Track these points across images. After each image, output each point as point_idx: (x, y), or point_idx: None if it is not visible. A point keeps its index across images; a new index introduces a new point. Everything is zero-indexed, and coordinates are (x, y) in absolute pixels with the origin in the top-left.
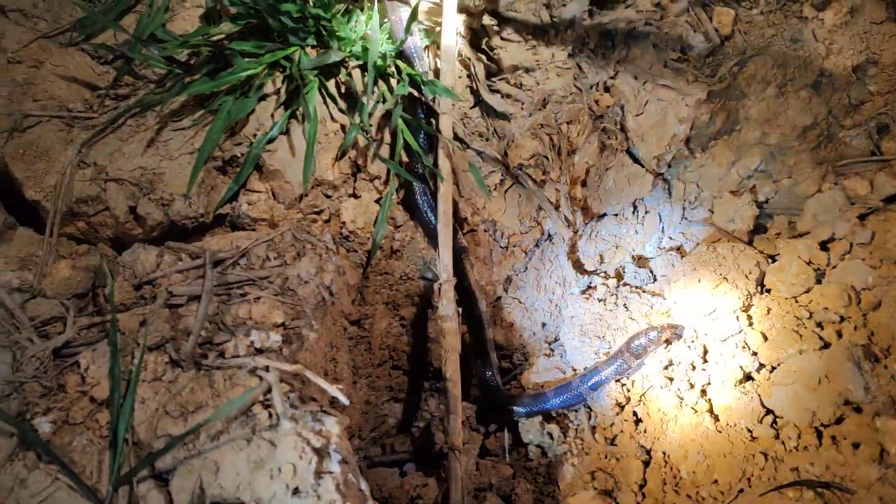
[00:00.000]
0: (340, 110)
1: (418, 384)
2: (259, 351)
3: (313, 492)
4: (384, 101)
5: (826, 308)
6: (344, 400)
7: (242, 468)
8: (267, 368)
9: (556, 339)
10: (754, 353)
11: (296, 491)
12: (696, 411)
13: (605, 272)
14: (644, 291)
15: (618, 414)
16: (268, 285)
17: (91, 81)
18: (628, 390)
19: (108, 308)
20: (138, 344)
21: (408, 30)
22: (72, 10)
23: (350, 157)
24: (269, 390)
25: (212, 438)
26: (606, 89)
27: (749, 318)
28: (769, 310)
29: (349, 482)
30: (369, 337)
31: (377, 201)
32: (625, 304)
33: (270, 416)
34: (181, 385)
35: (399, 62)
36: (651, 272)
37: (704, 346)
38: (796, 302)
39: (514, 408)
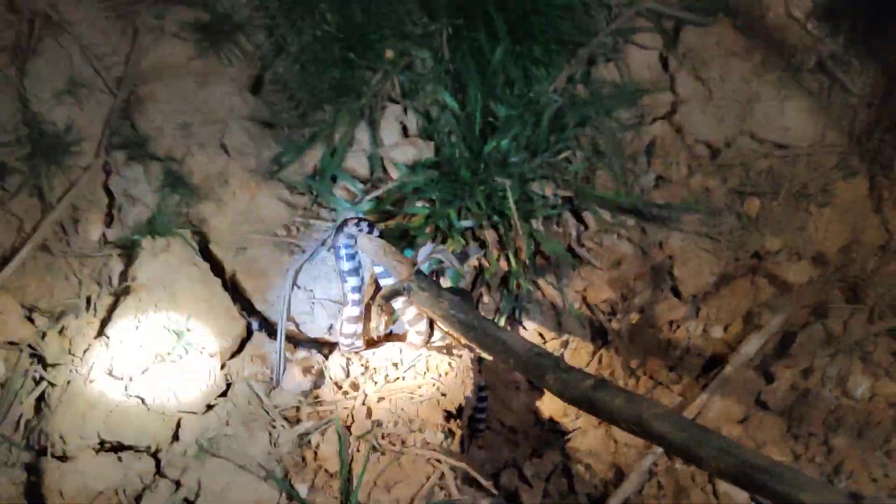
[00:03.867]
0: None
1: None
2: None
3: None
4: None
5: None
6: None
7: None
8: (439, 460)
9: None
10: None
11: None
12: None
13: None
14: None
15: None
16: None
17: (290, 207)
18: None
19: (327, 403)
20: (349, 430)
21: None
22: (269, 146)
23: None
24: (443, 475)
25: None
26: (660, 245)
27: None
28: None
29: None
30: None
31: None
32: None
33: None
34: (382, 465)
35: None
36: None
37: None
38: None
39: None
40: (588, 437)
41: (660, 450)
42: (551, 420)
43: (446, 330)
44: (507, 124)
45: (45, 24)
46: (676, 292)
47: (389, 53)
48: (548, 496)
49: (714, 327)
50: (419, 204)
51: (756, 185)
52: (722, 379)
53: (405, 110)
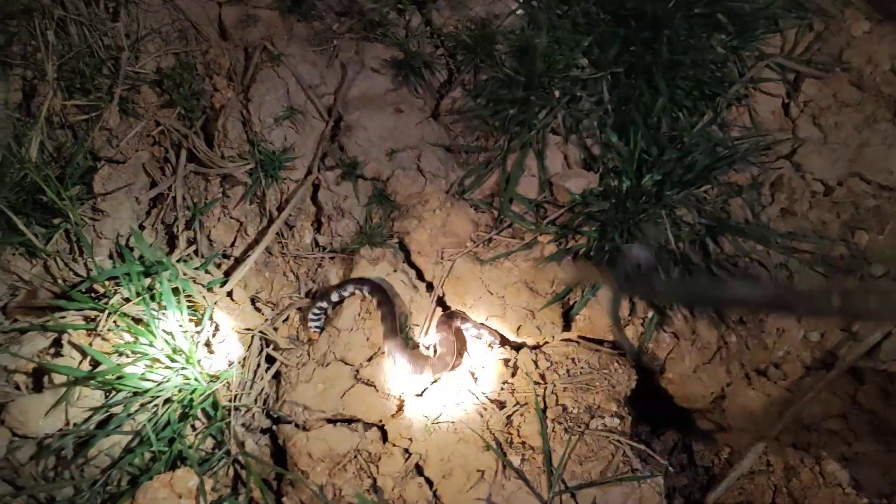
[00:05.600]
0: None
1: None
2: (607, 427)
3: None
4: None
5: None
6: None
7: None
8: (620, 441)
9: None
10: None
11: None
12: None
13: None
14: None
15: None
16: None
17: (474, 223)
18: None
19: (522, 390)
20: (545, 415)
21: None
22: (453, 169)
23: None
24: (625, 453)
25: (599, 476)
26: (782, 266)
27: None
28: None
29: None
30: None
31: None
32: None
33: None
34: (572, 443)
35: None
36: None
37: None
38: None
39: None
40: (704, 419)
41: (773, 433)
42: (672, 402)
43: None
44: (662, 162)
45: (262, 55)
46: None
47: (557, 93)
48: (669, 467)
49: (812, 333)
50: (586, 228)
51: (865, 221)
52: (825, 380)
53: (565, 142)
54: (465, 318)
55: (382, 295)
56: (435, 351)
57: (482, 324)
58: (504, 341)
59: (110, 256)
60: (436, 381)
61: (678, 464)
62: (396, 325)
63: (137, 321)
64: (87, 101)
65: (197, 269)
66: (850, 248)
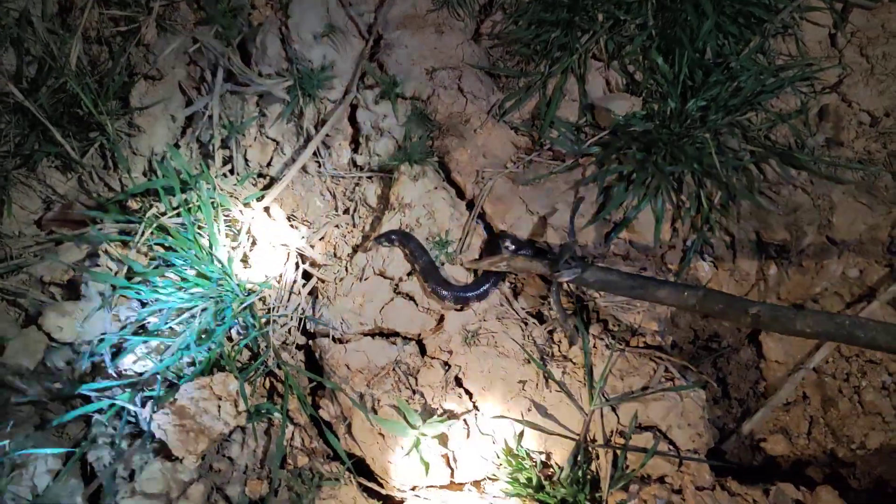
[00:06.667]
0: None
1: None
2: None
3: None
4: None
5: None
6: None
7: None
8: (661, 357)
9: None
10: None
11: None
12: None
13: None
14: None
15: None
16: None
17: (514, 145)
18: None
19: (563, 305)
20: (587, 330)
21: None
22: (493, 92)
23: None
24: (667, 368)
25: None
26: (826, 196)
27: None
28: None
29: None
30: None
31: None
32: None
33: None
34: (613, 360)
35: None
36: None
37: None
38: None
39: None
40: (738, 354)
41: (811, 365)
42: (707, 339)
43: None
44: (708, 86)
45: None
46: (831, 238)
47: (600, 17)
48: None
49: (851, 269)
50: (630, 150)
51: None
52: (868, 312)
53: (607, 67)
54: (514, 240)
55: (410, 242)
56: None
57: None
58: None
59: (144, 174)
60: (477, 298)
61: (712, 395)
62: (430, 259)
63: (173, 236)
64: (124, 13)
65: (234, 185)
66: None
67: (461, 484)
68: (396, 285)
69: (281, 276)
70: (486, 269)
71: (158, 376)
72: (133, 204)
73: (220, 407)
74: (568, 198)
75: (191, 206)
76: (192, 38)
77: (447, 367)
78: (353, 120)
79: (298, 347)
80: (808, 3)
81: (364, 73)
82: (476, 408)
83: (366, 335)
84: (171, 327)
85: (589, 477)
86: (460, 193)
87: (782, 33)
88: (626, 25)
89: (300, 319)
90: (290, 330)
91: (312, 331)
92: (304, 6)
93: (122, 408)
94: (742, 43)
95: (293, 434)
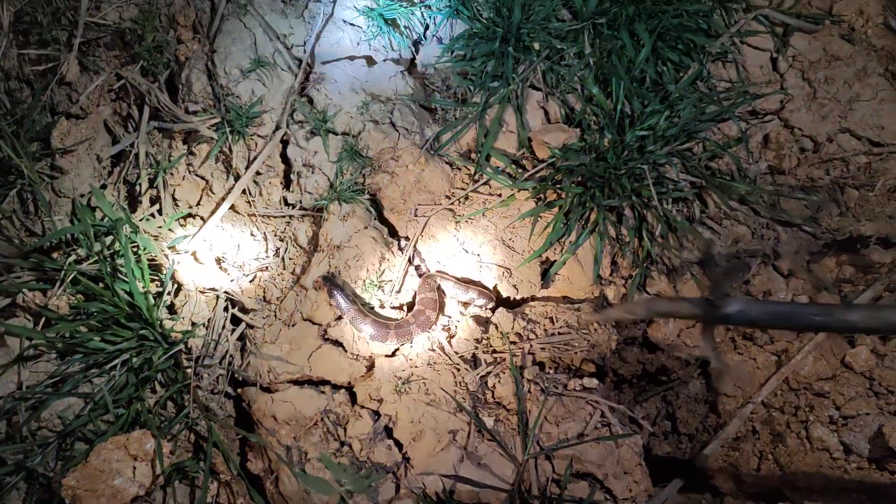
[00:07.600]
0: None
1: None
2: (585, 388)
3: None
4: None
5: None
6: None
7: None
8: (597, 401)
9: None
10: None
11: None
12: None
13: None
14: None
15: None
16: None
17: (448, 180)
18: None
19: (498, 350)
20: (522, 375)
21: None
22: (428, 124)
23: None
24: (603, 413)
25: (576, 438)
26: (769, 226)
27: None
28: None
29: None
30: None
31: None
32: None
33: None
34: (549, 404)
35: None
36: None
37: None
38: None
39: None
40: (688, 387)
41: (759, 399)
42: (655, 372)
43: None
44: (646, 116)
45: (229, 4)
46: (776, 267)
47: (536, 45)
48: (653, 436)
49: (800, 298)
50: (566, 182)
51: (855, 178)
52: (814, 343)
53: (546, 97)
54: (447, 279)
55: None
56: (411, 310)
57: (471, 282)
58: (499, 302)
59: (69, 216)
60: (404, 344)
61: (661, 431)
62: (349, 296)
63: (96, 280)
64: (44, 52)
65: (160, 227)
66: (840, 207)
67: None
68: (325, 331)
69: (209, 321)
70: (619, 318)
71: (73, 436)
72: (56, 249)
73: (135, 469)
74: (505, 235)
75: (113, 251)
76: (116, 75)
77: (377, 417)
78: (284, 157)
79: (227, 396)
80: (749, 28)
81: (294, 109)
82: (406, 459)
83: (294, 383)
84: (90, 381)
85: None
86: (393, 232)
87: (723, 59)
88: (564, 54)
89: (229, 366)
90: (218, 378)
91: (241, 379)
92: (231, 39)
93: (33, 471)
94: (682, 70)
95: (218, 490)
